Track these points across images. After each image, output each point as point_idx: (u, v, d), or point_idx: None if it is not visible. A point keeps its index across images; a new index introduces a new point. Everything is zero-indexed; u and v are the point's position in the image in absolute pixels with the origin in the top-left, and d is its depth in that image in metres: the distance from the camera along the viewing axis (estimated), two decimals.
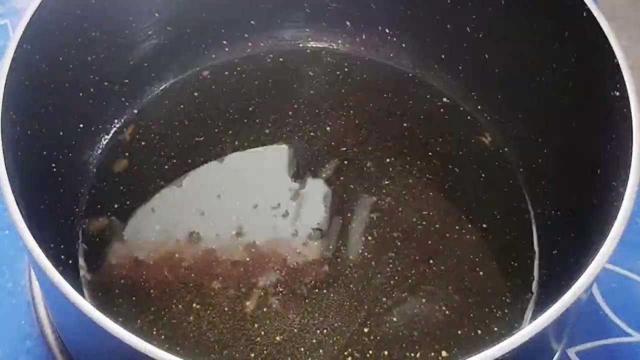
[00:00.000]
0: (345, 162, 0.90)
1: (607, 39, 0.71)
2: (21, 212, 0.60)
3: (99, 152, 0.89)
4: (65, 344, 0.79)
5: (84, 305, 0.55)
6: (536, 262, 0.83)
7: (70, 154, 0.82)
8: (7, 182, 0.62)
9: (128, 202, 0.86)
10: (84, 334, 0.65)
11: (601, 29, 0.71)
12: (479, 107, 0.94)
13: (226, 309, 0.78)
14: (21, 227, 0.60)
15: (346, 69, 0.99)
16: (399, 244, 0.84)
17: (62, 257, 0.79)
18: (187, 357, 0.73)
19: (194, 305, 0.78)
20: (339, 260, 0.82)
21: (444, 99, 0.95)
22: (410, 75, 0.97)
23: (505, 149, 0.92)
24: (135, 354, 0.53)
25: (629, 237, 0.85)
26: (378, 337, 0.77)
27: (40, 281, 0.74)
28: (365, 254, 0.83)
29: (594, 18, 0.71)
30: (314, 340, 0.77)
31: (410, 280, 0.81)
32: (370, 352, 0.76)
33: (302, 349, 0.76)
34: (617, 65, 0.69)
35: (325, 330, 0.77)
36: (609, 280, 0.87)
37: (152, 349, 0.53)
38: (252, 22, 0.97)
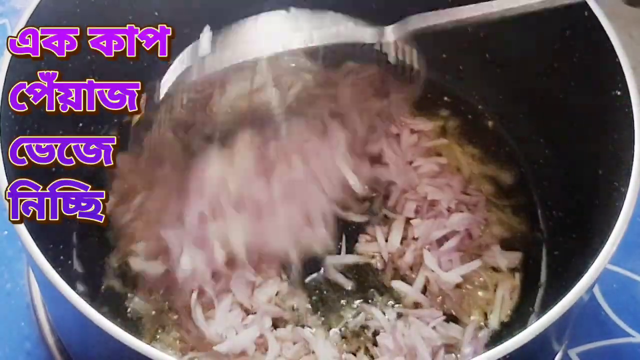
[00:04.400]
0: None
1: (608, 39, 0.70)
2: None
3: None
4: (65, 344, 0.79)
5: (82, 306, 0.55)
6: (541, 263, 0.82)
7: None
8: (5, 183, 0.61)
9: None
10: (83, 335, 0.64)
11: (602, 28, 0.71)
12: (479, 107, 0.94)
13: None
14: (20, 227, 0.59)
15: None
16: None
17: (61, 257, 0.78)
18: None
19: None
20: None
21: (445, 98, 0.95)
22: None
23: (507, 149, 0.91)
24: (134, 355, 0.53)
25: (631, 238, 0.85)
26: None
27: (39, 282, 0.74)
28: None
29: (596, 17, 0.71)
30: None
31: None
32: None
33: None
34: (619, 65, 0.69)
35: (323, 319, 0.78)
36: (610, 281, 0.87)
37: (151, 349, 0.53)
38: None
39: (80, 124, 0.84)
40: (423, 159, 0.87)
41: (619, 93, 0.69)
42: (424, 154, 0.88)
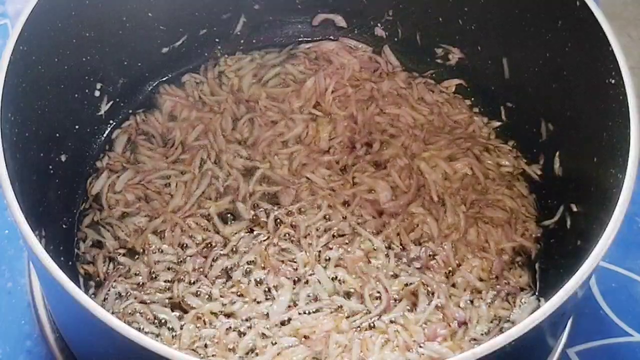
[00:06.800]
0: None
1: (607, 39, 0.71)
2: (22, 211, 0.60)
3: (94, 152, 0.89)
4: (66, 341, 0.79)
5: (86, 301, 0.55)
6: (537, 258, 0.83)
7: (67, 155, 0.83)
8: (8, 183, 0.62)
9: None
10: (85, 331, 0.64)
11: (602, 29, 0.71)
12: (472, 98, 0.95)
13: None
14: (21, 221, 0.59)
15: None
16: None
17: (62, 258, 0.79)
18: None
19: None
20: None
21: (440, 91, 0.96)
22: (403, 69, 0.98)
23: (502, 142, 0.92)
24: (137, 350, 0.53)
25: (629, 237, 0.85)
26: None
27: (40, 277, 0.74)
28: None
29: (595, 18, 0.72)
30: None
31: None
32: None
33: None
34: (617, 65, 0.69)
35: None
36: (609, 280, 0.87)
37: (156, 344, 0.53)
38: (244, 19, 0.97)
39: (77, 126, 0.85)
40: None
41: (618, 94, 0.69)
42: None
